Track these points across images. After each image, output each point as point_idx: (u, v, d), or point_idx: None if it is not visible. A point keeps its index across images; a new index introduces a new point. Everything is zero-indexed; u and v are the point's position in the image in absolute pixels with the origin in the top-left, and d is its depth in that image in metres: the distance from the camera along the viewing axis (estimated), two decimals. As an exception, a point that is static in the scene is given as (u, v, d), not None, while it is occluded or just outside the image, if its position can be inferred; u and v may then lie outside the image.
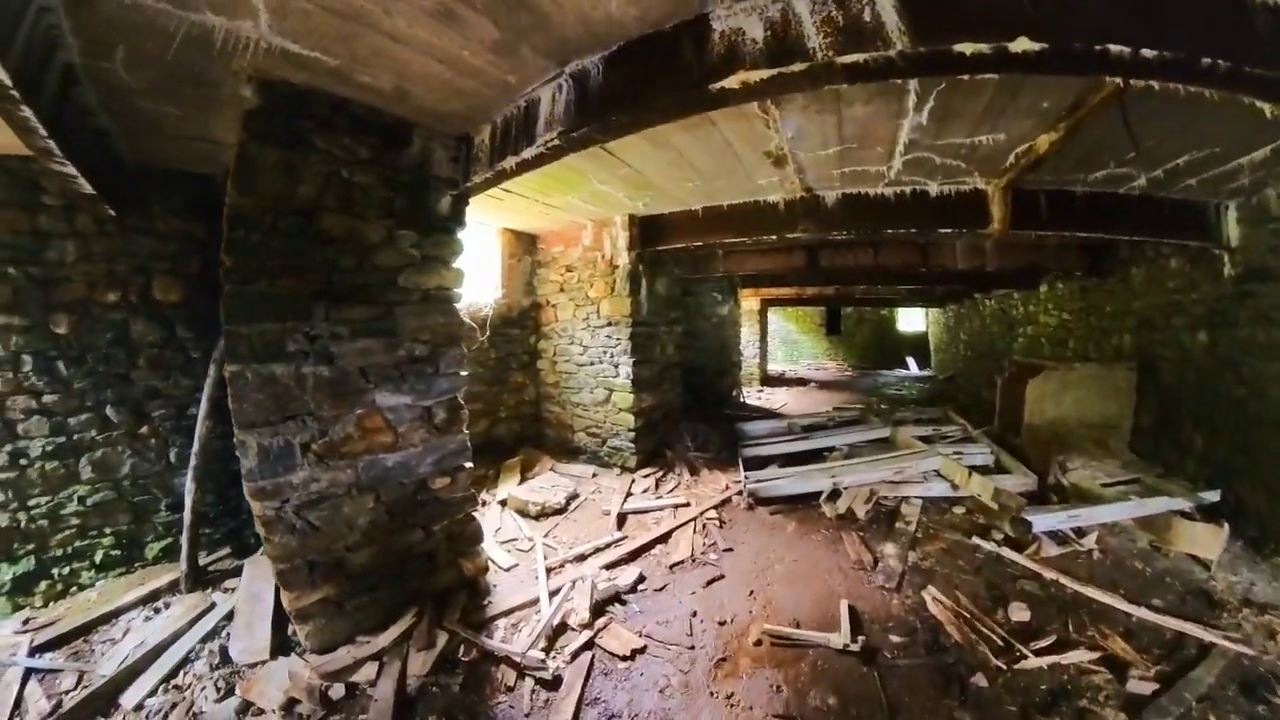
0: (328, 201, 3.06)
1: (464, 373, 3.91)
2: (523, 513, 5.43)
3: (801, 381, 15.94)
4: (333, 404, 3.13)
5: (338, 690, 2.80)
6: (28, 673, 3.07)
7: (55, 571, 3.88)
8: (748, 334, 14.25)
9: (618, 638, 3.32)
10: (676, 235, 5.91)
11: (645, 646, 3.26)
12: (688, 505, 5.43)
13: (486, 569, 4.13)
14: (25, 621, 3.54)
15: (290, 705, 2.73)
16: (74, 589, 3.93)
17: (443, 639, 3.22)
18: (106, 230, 3.96)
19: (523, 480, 6.27)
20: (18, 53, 1.96)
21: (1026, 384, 6.54)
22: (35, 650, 3.26)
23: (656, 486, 6.00)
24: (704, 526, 4.95)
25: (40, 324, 3.74)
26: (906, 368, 19.69)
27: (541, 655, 3.12)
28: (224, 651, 3.17)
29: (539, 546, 4.59)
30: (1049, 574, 3.93)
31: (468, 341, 6.46)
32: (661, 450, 6.92)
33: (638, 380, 6.45)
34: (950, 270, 7.34)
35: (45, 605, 3.78)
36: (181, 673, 3.06)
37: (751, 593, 3.89)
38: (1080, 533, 4.52)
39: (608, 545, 4.60)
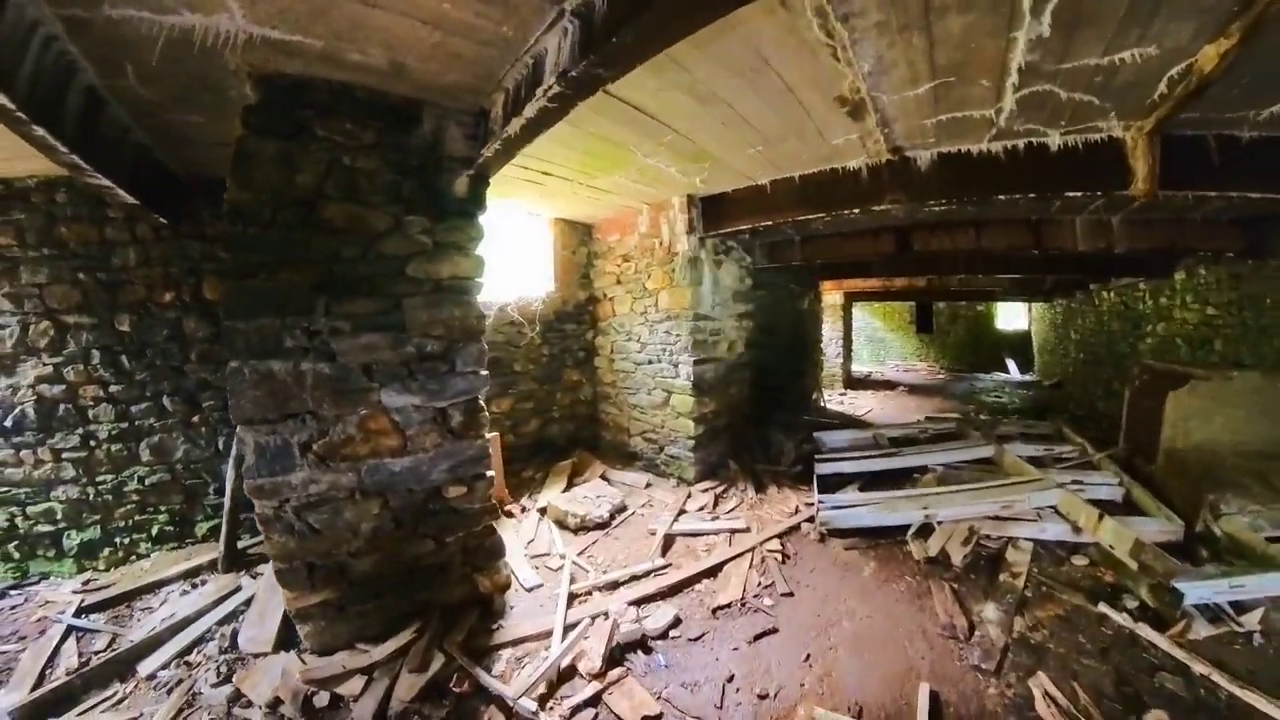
0: (329, 190, 2.91)
1: (484, 371, 3.49)
2: (561, 524, 5.01)
3: (889, 385, 14.72)
4: (333, 403, 2.97)
5: (322, 699, 2.72)
6: (69, 630, 3.40)
7: (118, 540, 4.40)
8: (829, 331, 13.25)
9: (630, 697, 2.77)
10: (741, 215, 5.21)
11: (660, 716, 2.70)
12: (747, 531, 4.78)
13: (507, 586, 3.80)
14: (85, 583, 4.06)
15: (275, 704, 2.69)
16: (133, 558, 4.44)
17: (438, 662, 2.95)
18: (162, 237, 4.39)
19: (569, 486, 5.86)
20: (25, 79, 2.19)
21: (1165, 397, 5.36)
22: (83, 610, 3.63)
23: (715, 504, 5.39)
24: (762, 560, 4.27)
25: (107, 322, 4.26)
26: (1006, 371, 17.74)
27: (535, 706, 2.66)
28: (235, 636, 3.24)
29: (568, 567, 4.13)
30: (1200, 667, 2.94)
31: (518, 338, 6.18)
32: (725, 462, 6.30)
33: (699, 382, 5.83)
34: (1068, 254, 6.24)
35: (107, 569, 4.30)
36: (195, 650, 3.20)
37: (808, 657, 3.18)
38: (1240, 607, 3.37)
39: (646, 574, 4.05)
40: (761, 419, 8.04)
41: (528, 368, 6.51)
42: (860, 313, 20.12)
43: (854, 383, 14.47)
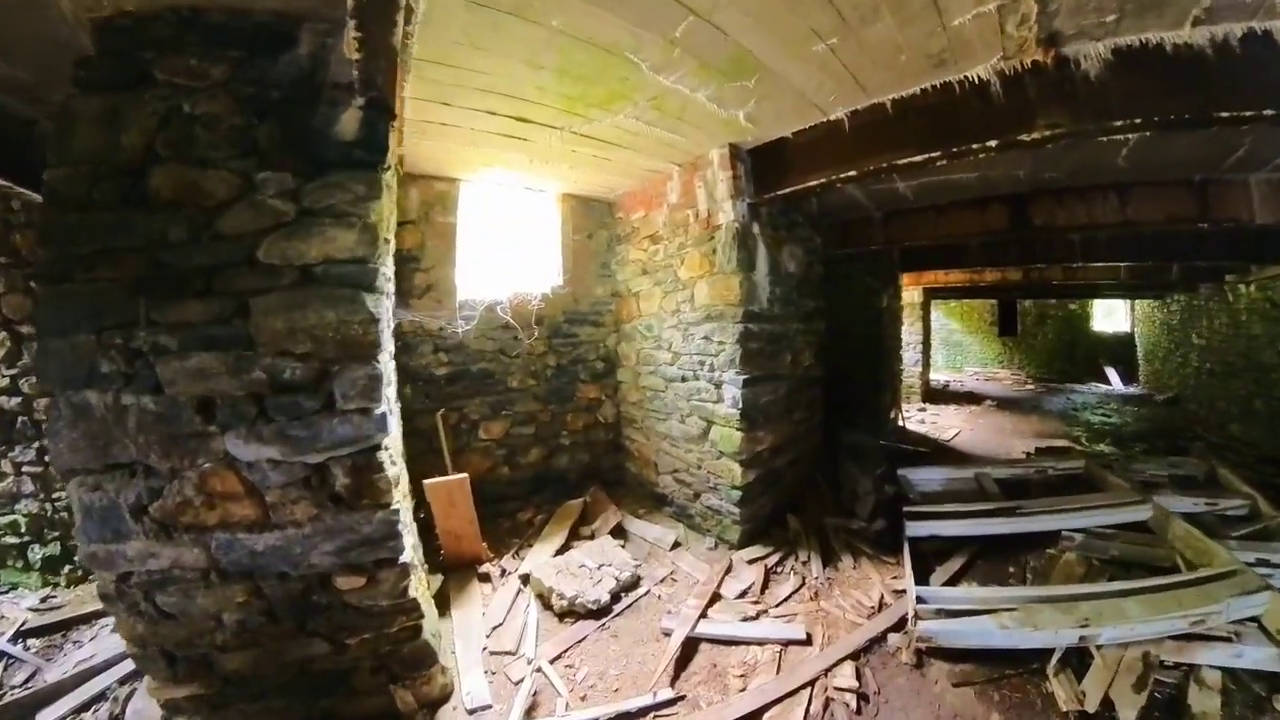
0: (159, 150, 2.08)
1: (380, 409, 2.21)
2: (544, 602, 3.65)
3: (973, 398, 12.73)
4: (162, 451, 2.11)
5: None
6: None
7: (77, 558, 4.03)
8: (906, 333, 11.41)
9: None
10: (809, 167, 3.63)
11: None
12: (807, 643, 3.22)
13: (444, 699, 2.76)
14: (44, 599, 3.89)
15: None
16: (90, 578, 3.97)
17: None
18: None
19: (570, 541, 4.48)
20: None
21: None
22: (23, 634, 3.50)
23: (764, 585, 3.86)
24: (826, 705, 2.75)
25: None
26: (1106, 382, 15.29)
27: None
28: (128, 702, 2.85)
29: (528, 684, 2.82)
30: None
31: (512, 346, 4.87)
32: (782, 516, 4.75)
33: (750, 409, 4.25)
34: (1244, 227, 4.33)
35: (68, 586, 4.10)
36: (93, 709, 2.89)
37: None
38: None
39: (641, 716, 2.65)
40: (831, 446, 6.46)
41: (527, 383, 5.16)
42: (935, 313, 17.96)
43: (934, 394, 12.58)
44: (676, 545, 4.49)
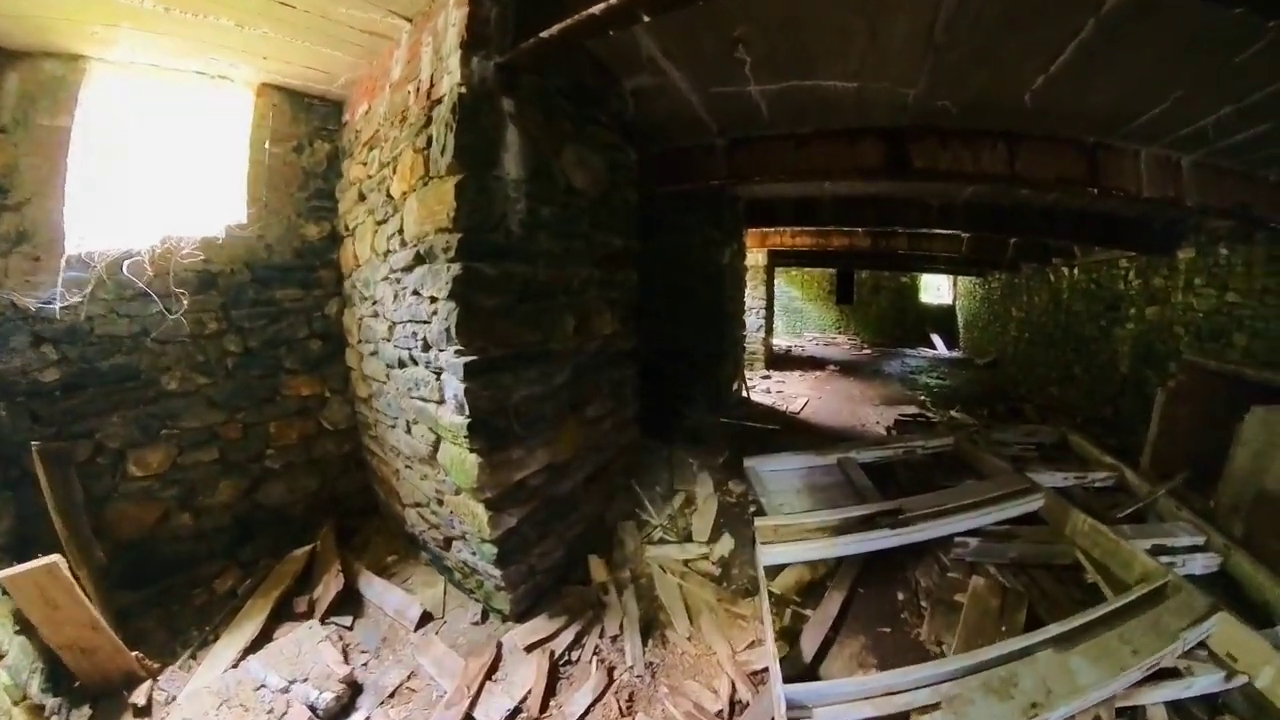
0: None
1: None
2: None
3: (816, 363, 12.37)
4: None
5: None
6: None
7: None
8: (749, 298, 10.65)
9: None
10: None
11: None
12: None
13: None
14: None
15: None
16: None
17: None
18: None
19: (275, 622, 2.84)
20: None
21: (1207, 404, 4.48)
22: None
23: (549, 692, 2.39)
24: None
25: None
26: (932, 347, 16.36)
27: None
28: None
29: None
30: None
31: (156, 324, 2.95)
32: (581, 561, 3.25)
33: (488, 412, 2.56)
34: (1133, 196, 3.90)
35: None
36: None
37: None
38: None
39: None
40: (662, 430, 5.18)
41: (195, 381, 3.23)
42: (776, 280, 17.92)
43: (776, 360, 12.02)
44: (427, 619, 2.91)
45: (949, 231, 8.06)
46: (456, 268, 2.39)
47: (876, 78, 3.07)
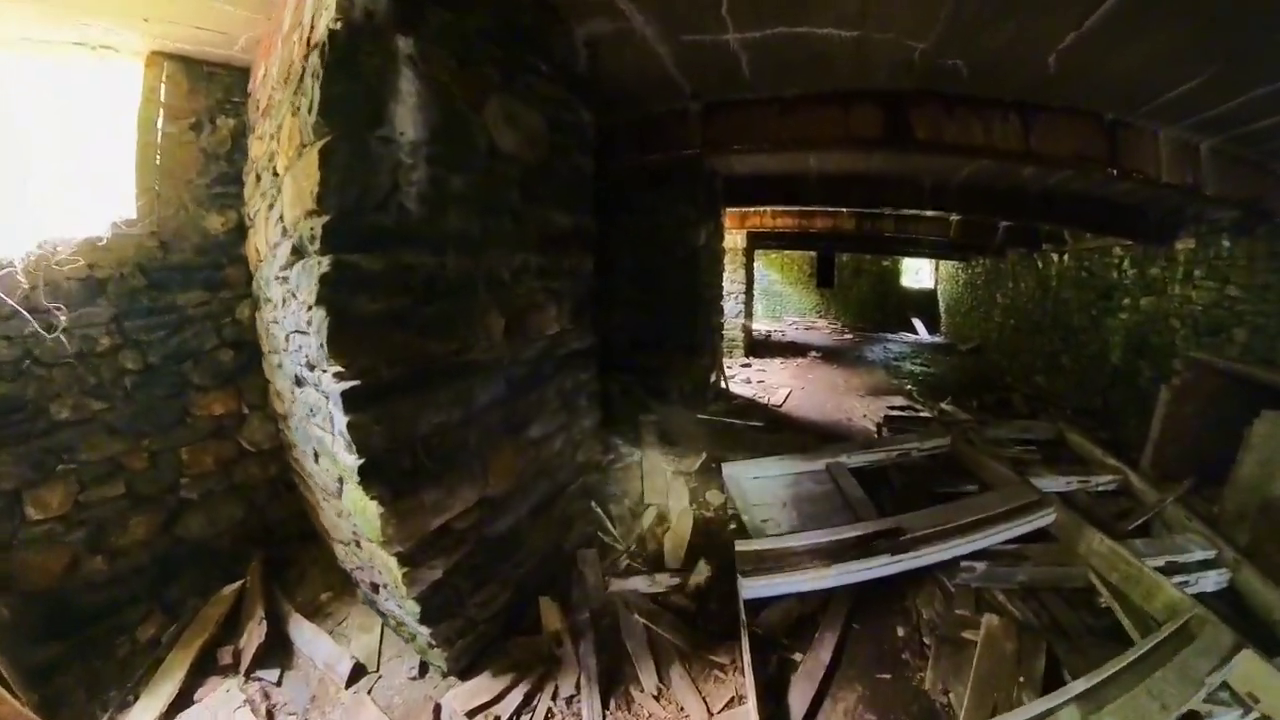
0: None
1: None
2: None
3: (797, 349, 12.06)
4: None
5: None
6: None
7: None
8: (728, 282, 10.24)
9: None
10: None
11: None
12: None
13: None
14: None
15: None
16: None
17: None
18: None
19: (197, 678, 2.40)
20: None
21: (1213, 405, 4.30)
22: None
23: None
24: None
25: None
26: (913, 331, 16.21)
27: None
28: None
29: None
30: None
31: (35, 346, 2.45)
32: (531, 604, 2.81)
33: (386, 449, 2.01)
34: (1152, 181, 3.57)
35: None
36: None
37: None
38: None
39: None
40: (631, 430, 4.82)
41: (90, 407, 2.74)
42: (755, 262, 17.59)
43: (755, 347, 11.69)
44: (360, 673, 2.51)
45: (939, 214, 7.76)
46: (325, 263, 1.79)
47: (881, 27, 2.61)
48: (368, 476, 1.95)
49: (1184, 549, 3.23)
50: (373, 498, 1.97)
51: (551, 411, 2.94)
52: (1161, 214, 5.52)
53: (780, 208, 8.47)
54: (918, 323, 16.34)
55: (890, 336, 15.27)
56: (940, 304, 16.49)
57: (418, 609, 2.16)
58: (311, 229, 1.80)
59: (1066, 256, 8.07)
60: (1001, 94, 3.27)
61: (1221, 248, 5.06)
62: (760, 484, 3.94)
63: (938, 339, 15.02)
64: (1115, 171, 3.46)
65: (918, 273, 18.23)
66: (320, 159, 1.74)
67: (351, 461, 1.94)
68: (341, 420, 1.90)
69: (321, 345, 1.84)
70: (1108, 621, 2.84)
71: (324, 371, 1.95)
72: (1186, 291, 5.48)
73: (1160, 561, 3.08)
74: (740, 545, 3.05)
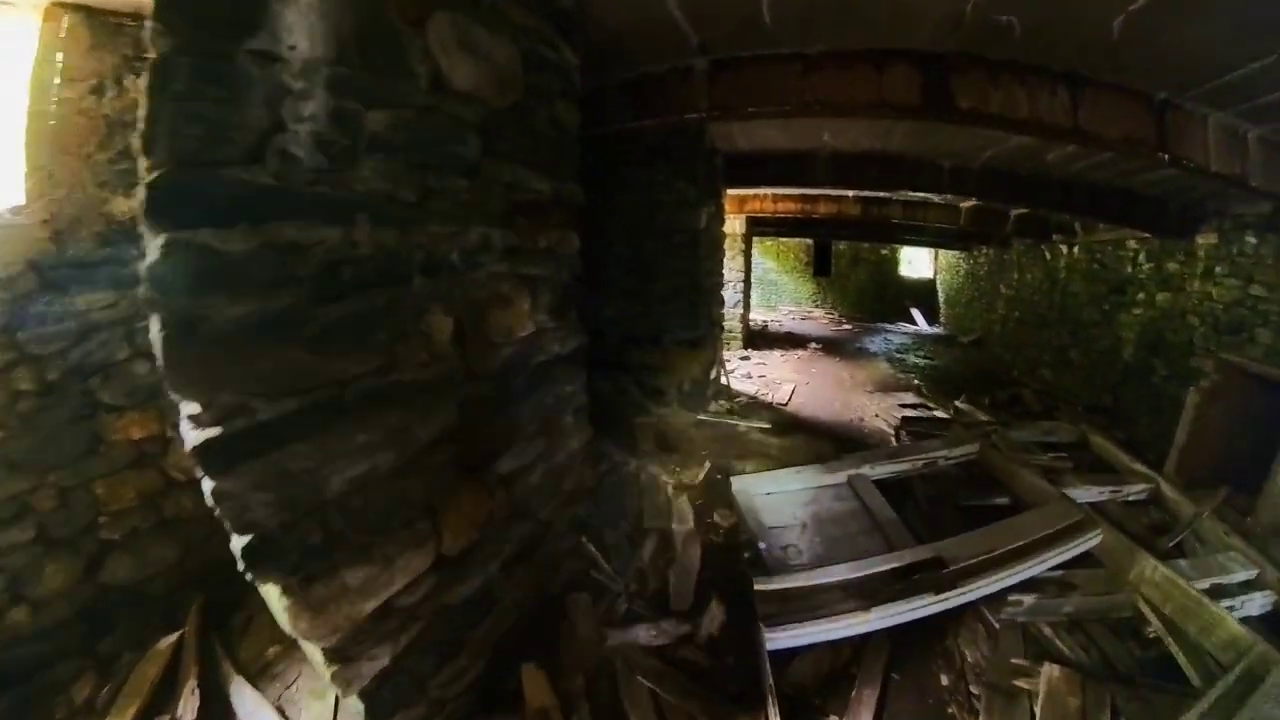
0: None
1: None
2: None
3: (796, 340, 11.63)
4: None
5: None
6: None
7: None
8: (726, 269, 9.73)
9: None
10: None
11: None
12: None
13: None
14: None
15: None
16: None
17: None
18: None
19: None
20: None
21: (1248, 409, 4.13)
22: None
23: None
24: None
25: None
26: (912, 322, 15.85)
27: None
28: None
29: None
30: None
31: None
32: (513, 672, 2.26)
33: (265, 534, 1.42)
34: (1201, 169, 3.23)
35: None
36: None
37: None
38: None
39: None
40: (627, 436, 4.39)
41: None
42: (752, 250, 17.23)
43: (753, 338, 11.24)
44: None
45: (954, 200, 7.35)
46: (156, 245, 1.19)
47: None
48: (258, 563, 1.39)
49: (1226, 569, 3.03)
50: (275, 584, 1.43)
51: (527, 437, 2.35)
52: (1182, 207, 5.27)
53: (783, 191, 7.99)
54: (916, 313, 15.99)
55: (889, 327, 14.93)
56: (940, 294, 16.16)
57: (362, 706, 1.69)
58: (142, 190, 1.19)
59: (1077, 249, 7.79)
60: (1051, 61, 2.84)
61: (1246, 244, 4.83)
62: (775, 501, 3.50)
63: (937, 330, 14.70)
64: (1166, 157, 3.07)
65: (909, 262, 17.82)
66: (150, 83, 1.16)
67: (235, 541, 1.39)
68: (207, 485, 1.31)
69: (164, 373, 1.24)
70: (1155, 652, 2.63)
71: (179, 405, 1.30)
72: (1206, 288, 5.26)
73: (1205, 584, 2.85)
74: (760, 584, 2.62)
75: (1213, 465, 4.31)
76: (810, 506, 3.43)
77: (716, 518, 3.44)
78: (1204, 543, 3.45)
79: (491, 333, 2.08)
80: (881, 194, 7.67)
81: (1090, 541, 3.03)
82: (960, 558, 2.83)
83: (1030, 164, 5.01)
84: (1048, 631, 2.72)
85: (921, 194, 6.54)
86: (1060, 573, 2.99)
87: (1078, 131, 2.98)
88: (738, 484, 3.61)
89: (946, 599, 2.65)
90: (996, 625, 2.75)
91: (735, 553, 3.09)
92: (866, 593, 2.62)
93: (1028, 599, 2.76)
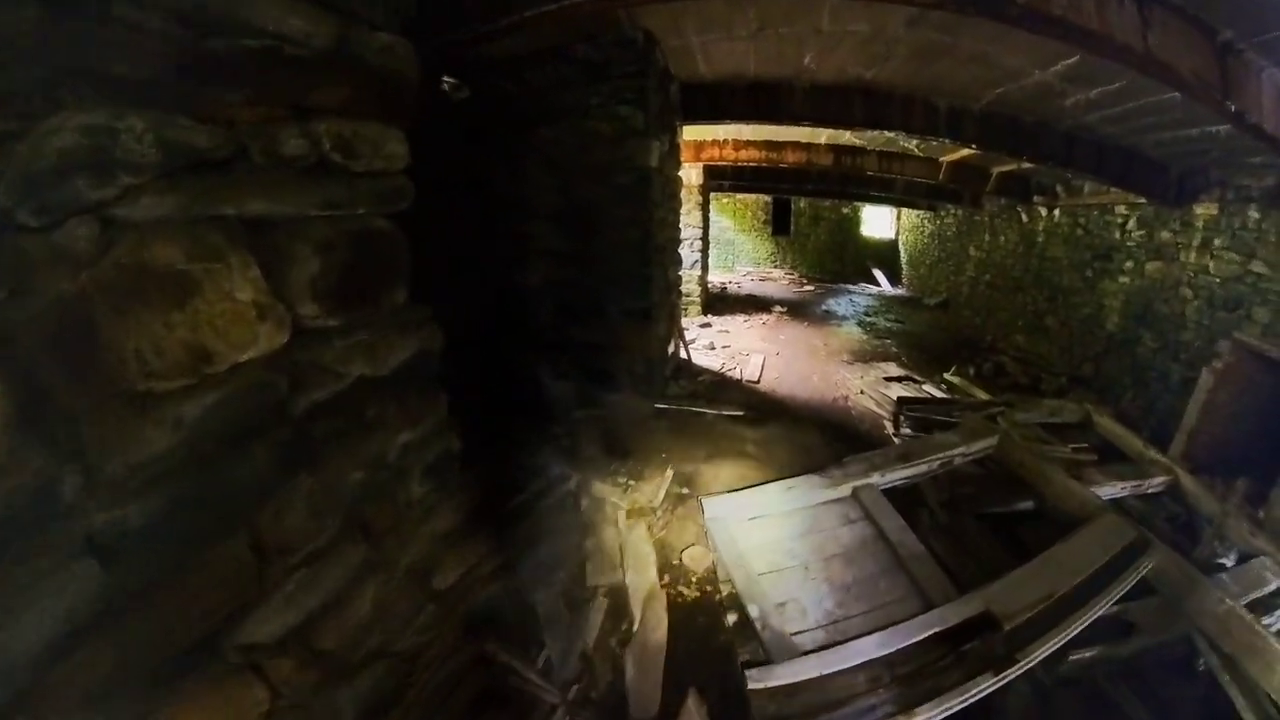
0: None
1: None
2: None
3: (759, 304, 10.81)
4: None
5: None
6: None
7: None
8: (682, 225, 8.67)
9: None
10: None
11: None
12: None
13: None
14: None
15: None
16: None
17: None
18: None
19: None
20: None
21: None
22: None
23: None
24: None
25: None
26: (874, 282, 15.42)
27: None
28: None
29: None
30: None
31: None
32: None
33: None
34: (1254, 128, 2.97)
35: None
36: None
37: None
38: None
39: None
40: (566, 433, 3.53)
41: None
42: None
43: (712, 302, 10.39)
44: None
45: (924, 153, 6.63)
46: None
47: None
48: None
49: (1261, 578, 2.73)
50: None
51: (311, 556, 1.30)
52: (1182, 174, 5.00)
53: (747, 136, 7.04)
54: (879, 274, 15.59)
55: (851, 288, 14.42)
56: (902, 255, 15.73)
57: None
58: None
59: (1058, 212, 7.44)
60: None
61: (1249, 218, 4.57)
62: (763, 529, 2.67)
63: (900, 291, 14.32)
64: (1233, 107, 2.70)
65: (870, 222, 17.27)
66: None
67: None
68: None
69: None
70: (1201, 690, 2.41)
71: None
72: (1203, 260, 5.02)
73: (1247, 599, 2.54)
74: (755, 680, 1.81)
75: (1218, 450, 4.17)
76: (811, 536, 2.62)
77: (684, 559, 2.60)
78: (1224, 540, 3.14)
79: (137, 368, 0.95)
80: (857, 142, 6.87)
81: (1144, 566, 2.38)
82: (1014, 610, 2.10)
83: (1039, 109, 4.33)
84: (1105, 685, 2.12)
85: (912, 137, 5.72)
86: (1118, 608, 2.37)
87: (1149, 57, 2.42)
88: (711, 507, 2.75)
89: (1008, 677, 1.91)
90: (1049, 685, 2.21)
91: (714, 615, 2.27)
92: (903, 678, 1.86)
93: (1089, 652, 2.13)
